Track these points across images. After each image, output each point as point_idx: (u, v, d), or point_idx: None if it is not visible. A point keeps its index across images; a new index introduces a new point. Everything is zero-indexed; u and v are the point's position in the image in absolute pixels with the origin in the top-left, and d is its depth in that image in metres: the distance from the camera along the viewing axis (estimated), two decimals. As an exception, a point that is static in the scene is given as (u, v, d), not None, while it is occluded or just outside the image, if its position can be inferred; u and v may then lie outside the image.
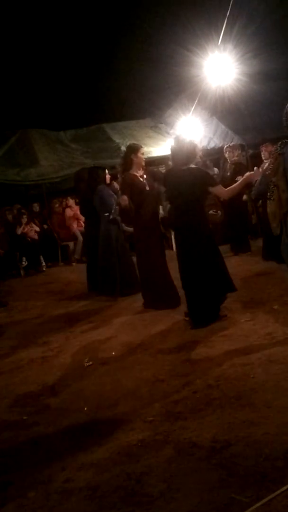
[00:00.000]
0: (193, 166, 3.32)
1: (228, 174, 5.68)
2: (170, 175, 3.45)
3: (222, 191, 3.38)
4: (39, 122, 9.91)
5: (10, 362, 3.21)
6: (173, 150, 3.38)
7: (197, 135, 9.06)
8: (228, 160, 5.75)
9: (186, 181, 3.24)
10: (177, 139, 3.44)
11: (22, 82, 11.75)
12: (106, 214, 4.55)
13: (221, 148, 9.06)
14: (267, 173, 3.33)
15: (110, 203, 4.49)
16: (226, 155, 5.76)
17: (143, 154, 3.99)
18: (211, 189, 3.28)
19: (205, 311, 3.26)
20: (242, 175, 5.48)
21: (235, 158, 5.72)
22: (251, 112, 8.53)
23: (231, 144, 6.36)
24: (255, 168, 4.42)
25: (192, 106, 8.43)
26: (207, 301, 3.26)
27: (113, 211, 4.35)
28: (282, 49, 8.69)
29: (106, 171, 4.77)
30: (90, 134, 9.55)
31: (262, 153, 5.11)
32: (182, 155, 3.27)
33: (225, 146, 5.99)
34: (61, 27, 11.62)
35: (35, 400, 2.53)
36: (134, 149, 3.95)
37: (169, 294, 3.83)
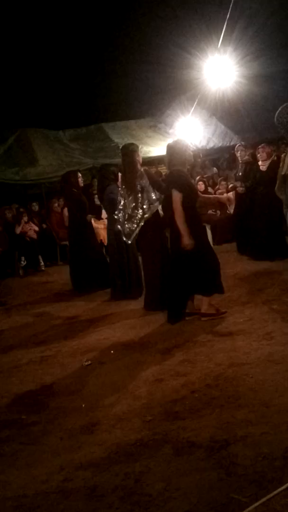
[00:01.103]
0: (177, 168, 3.37)
1: (240, 174, 5.59)
2: (166, 177, 3.62)
3: (176, 199, 3.25)
4: (38, 121, 9.91)
5: (9, 361, 3.20)
6: (166, 155, 3.54)
7: (197, 135, 9.10)
8: (240, 159, 5.65)
9: (167, 182, 3.48)
10: (168, 144, 3.56)
11: (21, 81, 11.74)
12: (115, 215, 4.49)
13: (220, 148, 9.11)
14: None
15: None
16: (238, 154, 5.65)
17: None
18: (172, 190, 3.27)
19: (180, 307, 3.40)
20: (253, 174, 5.49)
21: (247, 157, 5.62)
22: (251, 114, 8.57)
23: (243, 143, 6.25)
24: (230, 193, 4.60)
25: (192, 108, 8.45)
26: (182, 298, 3.39)
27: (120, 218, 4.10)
28: (281, 52, 8.72)
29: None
30: (89, 133, 9.55)
31: (259, 154, 5.08)
32: (171, 159, 3.43)
33: (237, 145, 5.88)
34: (61, 27, 11.62)
35: (34, 400, 2.53)
36: (136, 149, 3.95)
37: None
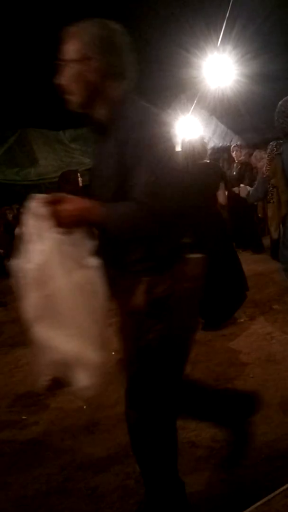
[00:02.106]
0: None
1: (234, 173, 5.64)
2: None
3: None
4: (38, 121, 9.90)
5: (9, 361, 3.21)
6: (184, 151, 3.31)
7: (197, 135, 9.07)
8: (236, 159, 5.69)
9: None
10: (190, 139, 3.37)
11: (21, 81, 11.74)
12: None
13: (220, 148, 9.09)
14: (264, 176, 3.30)
15: None
16: (234, 154, 5.70)
17: None
18: None
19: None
20: (249, 175, 5.53)
21: (242, 157, 5.67)
22: (250, 113, 8.54)
23: (238, 143, 6.30)
24: (241, 185, 4.42)
25: (191, 107, 8.44)
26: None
27: None
28: (281, 50, 8.70)
29: None
30: (89, 134, 9.54)
31: (234, 153, 5.10)
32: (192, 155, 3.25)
33: (233, 146, 5.93)
34: (60, 27, 11.60)
35: (35, 400, 2.53)
36: None
37: None
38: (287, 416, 1.93)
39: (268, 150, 3.71)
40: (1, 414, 2.42)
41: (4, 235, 7.04)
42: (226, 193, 5.57)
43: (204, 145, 3.37)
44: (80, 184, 5.09)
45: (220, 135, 8.86)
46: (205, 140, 3.49)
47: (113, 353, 3.17)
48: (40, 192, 8.24)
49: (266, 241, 5.46)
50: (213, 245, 3.08)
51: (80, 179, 5.09)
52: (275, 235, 2.74)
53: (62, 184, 5.13)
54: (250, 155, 5.43)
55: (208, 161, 3.31)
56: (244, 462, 1.68)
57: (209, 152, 3.54)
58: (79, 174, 5.19)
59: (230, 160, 6.41)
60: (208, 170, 3.22)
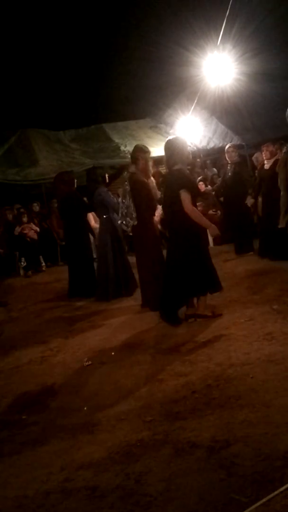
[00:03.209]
0: (179, 167, 3.32)
1: (230, 174, 5.66)
2: (165, 176, 3.56)
3: (186, 200, 3.20)
4: (38, 122, 9.92)
5: (10, 361, 3.21)
6: (164, 152, 3.42)
7: (197, 135, 9.08)
8: (229, 160, 5.71)
9: (169, 182, 3.38)
10: (168, 141, 3.47)
11: (22, 82, 11.75)
12: (104, 216, 4.54)
13: (221, 148, 9.10)
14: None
15: (112, 203, 4.47)
16: (227, 156, 5.72)
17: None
18: (180, 192, 3.20)
19: (175, 307, 3.41)
20: (243, 174, 5.62)
21: (236, 158, 5.70)
22: (251, 112, 8.53)
23: (231, 144, 6.35)
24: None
25: (192, 106, 8.43)
26: (174, 298, 3.39)
27: (120, 214, 4.08)
28: (281, 49, 8.68)
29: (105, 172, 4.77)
30: (89, 134, 9.56)
31: (263, 153, 5.13)
32: (171, 157, 3.35)
33: (227, 146, 5.94)
34: (60, 27, 11.61)
35: (34, 400, 2.53)
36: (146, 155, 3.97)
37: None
38: (287, 416, 1.93)
39: (284, 150, 3.99)
40: (1, 414, 2.42)
41: (3, 235, 7.04)
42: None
43: (179, 150, 3.33)
44: (75, 185, 5.10)
45: (220, 135, 8.85)
46: (185, 141, 3.49)
47: (112, 353, 3.19)
48: (40, 192, 8.30)
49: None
50: (172, 246, 3.45)
51: (75, 180, 5.11)
52: (283, 223, 3.67)
53: (58, 184, 5.15)
54: (244, 156, 5.51)
55: (180, 167, 3.30)
56: (243, 462, 1.68)
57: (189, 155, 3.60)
58: (72, 175, 5.21)
59: (224, 161, 6.44)
60: (172, 178, 3.31)
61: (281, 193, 3.82)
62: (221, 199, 6.27)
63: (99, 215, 4.66)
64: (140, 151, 3.87)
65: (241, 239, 5.68)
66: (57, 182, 5.20)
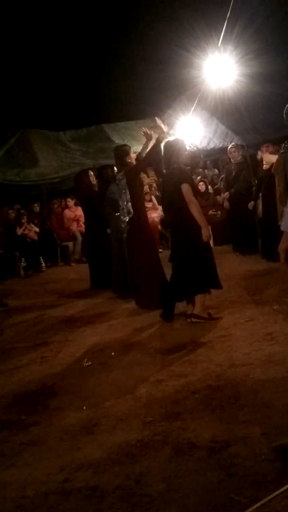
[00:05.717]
0: (178, 166, 3.34)
1: (233, 174, 5.70)
2: (164, 176, 3.55)
3: (188, 193, 3.23)
4: (38, 122, 9.91)
5: (9, 362, 3.20)
6: (164, 153, 3.48)
7: (197, 136, 9.09)
8: (232, 160, 5.74)
9: (169, 180, 3.39)
10: (168, 142, 3.53)
11: (21, 82, 11.76)
12: (117, 214, 4.52)
13: (221, 149, 9.10)
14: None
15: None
16: (230, 156, 5.75)
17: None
18: (182, 185, 3.22)
19: (172, 304, 3.44)
20: (246, 174, 5.67)
21: (239, 158, 5.72)
22: (251, 113, 8.54)
23: (233, 144, 6.35)
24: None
25: (192, 107, 8.44)
26: (174, 295, 3.42)
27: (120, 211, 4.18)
28: (282, 51, 8.70)
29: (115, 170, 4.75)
30: (89, 134, 9.55)
31: (263, 153, 5.17)
32: (170, 158, 3.38)
33: (229, 146, 5.96)
34: (60, 28, 11.63)
35: (34, 400, 2.53)
36: (129, 150, 4.09)
37: (162, 294, 3.83)
38: (287, 416, 1.93)
39: (282, 150, 4.01)
40: (1, 414, 2.42)
41: (3, 236, 7.05)
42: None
43: (176, 149, 3.40)
44: (94, 183, 5.12)
45: (221, 136, 8.85)
46: (184, 143, 3.56)
47: (112, 353, 3.20)
48: (40, 192, 8.31)
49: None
50: (175, 244, 3.52)
51: (92, 178, 5.12)
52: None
53: (78, 184, 5.26)
54: (245, 157, 5.52)
55: (178, 166, 3.34)
56: (243, 462, 1.68)
57: (186, 153, 3.64)
58: (91, 173, 5.22)
59: (227, 161, 6.45)
60: (172, 175, 3.35)
61: (277, 194, 3.90)
62: (227, 203, 6.15)
63: (111, 213, 4.63)
64: (125, 155, 4.04)
65: (245, 239, 5.68)
66: (76, 181, 5.32)
